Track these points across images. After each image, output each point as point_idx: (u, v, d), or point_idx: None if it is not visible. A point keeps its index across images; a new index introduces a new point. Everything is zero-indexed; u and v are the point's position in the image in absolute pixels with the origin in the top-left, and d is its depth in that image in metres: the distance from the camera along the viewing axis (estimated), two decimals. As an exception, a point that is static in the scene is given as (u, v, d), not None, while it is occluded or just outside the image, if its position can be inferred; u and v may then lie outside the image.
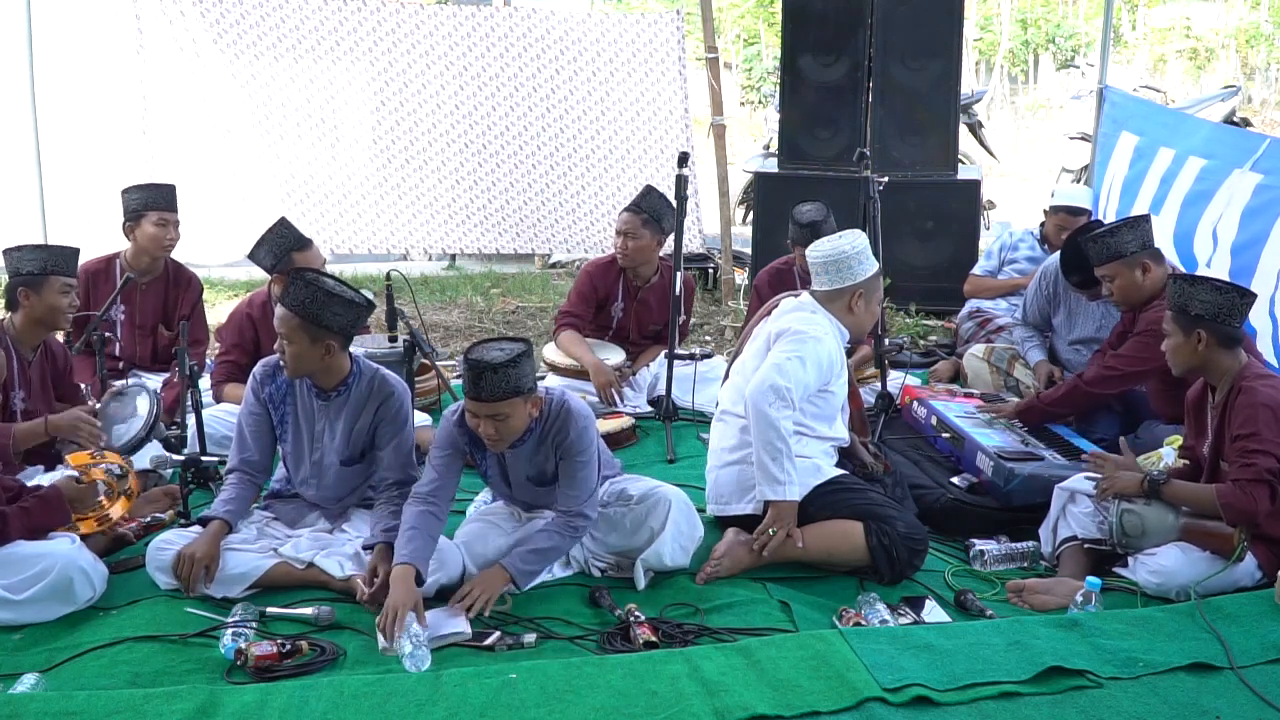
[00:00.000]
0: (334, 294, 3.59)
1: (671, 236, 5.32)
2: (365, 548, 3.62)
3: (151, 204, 5.07)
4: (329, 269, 7.83)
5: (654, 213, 5.46)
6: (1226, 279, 4.07)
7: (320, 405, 3.77)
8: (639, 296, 5.67)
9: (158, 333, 5.25)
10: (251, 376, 3.85)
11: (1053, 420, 4.68)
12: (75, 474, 3.71)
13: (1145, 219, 4.60)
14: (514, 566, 3.53)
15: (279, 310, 3.61)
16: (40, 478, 3.92)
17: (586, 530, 3.69)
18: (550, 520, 3.67)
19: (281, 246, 4.82)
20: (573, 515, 3.63)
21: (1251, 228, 5.19)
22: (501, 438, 3.48)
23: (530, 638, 3.33)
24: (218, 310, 6.92)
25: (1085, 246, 4.59)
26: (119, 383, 4.64)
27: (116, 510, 3.75)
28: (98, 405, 4.38)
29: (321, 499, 3.89)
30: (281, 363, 3.68)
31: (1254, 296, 3.73)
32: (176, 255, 5.31)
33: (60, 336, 4.57)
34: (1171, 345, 3.77)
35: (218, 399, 4.96)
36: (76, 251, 4.33)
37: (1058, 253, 5.34)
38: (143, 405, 4.43)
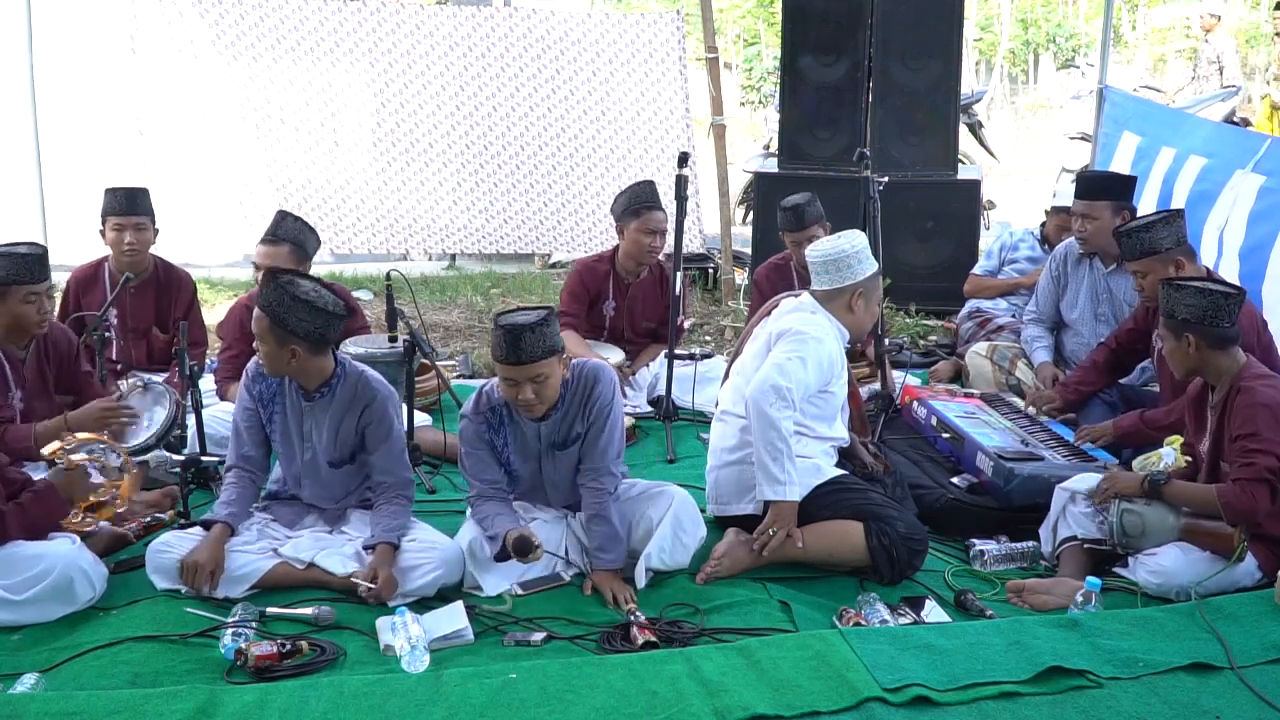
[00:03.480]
0: (300, 299, 3.53)
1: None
2: (366, 548, 3.62)
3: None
4: (328, 270, 7.91)
5: (663, 207, 5.52)
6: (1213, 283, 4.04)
7: (306, 405, 3.76)
8: (630, 293, 5.68)
9: (151, 335, 5.18)
10: (244, 373, 3.85)
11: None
12: (60, 464, 3.57)
13: (1179, 214, 4.48)
14: (612, 559, 3.65)
15: (255, 309, 3.63)
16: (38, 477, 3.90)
17: (618, 485, 3.75)
18: (585, 505, 3.73)
19: (265, 233, 4.85)
20: (601, 476, 3.70)
21: (1258, 232, 5.16)
22: (541, 400, 3.56)
23: (539, 636, 3.33)
24: (217, 311, 6.92)
25: (1118, 241, 4.51)
26: (146, 377, 4.61)
27: (125, 488, 3.71)
28: (120, 395, 4.36)
29: (318, 499, 3.88)
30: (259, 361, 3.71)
31: (1241, 295, 3.72)
32: (175, 254, 5.28)
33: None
34: (1167, 351, 3.80)
35: (223, 396, 4.92)
36: (42, 256, 4.07)
37: (1067, 240, 5.34)
38: (160, 414, 4.42)
